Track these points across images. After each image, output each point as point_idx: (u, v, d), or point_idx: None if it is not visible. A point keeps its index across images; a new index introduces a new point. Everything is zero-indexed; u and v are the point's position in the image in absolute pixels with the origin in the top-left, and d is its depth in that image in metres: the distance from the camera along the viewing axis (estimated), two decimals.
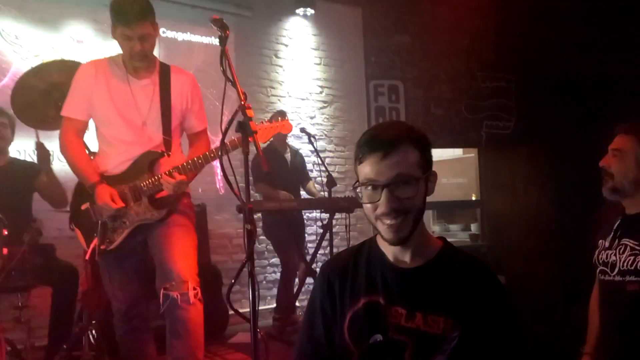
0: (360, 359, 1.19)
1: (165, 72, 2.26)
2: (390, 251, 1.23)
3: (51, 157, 2.96)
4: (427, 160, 1.19)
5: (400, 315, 1.18)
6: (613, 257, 1.79)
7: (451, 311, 1.15)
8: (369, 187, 1.17)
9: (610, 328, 1.82)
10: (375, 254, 1.26)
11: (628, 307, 1.73)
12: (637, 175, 1.77)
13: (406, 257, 1.22)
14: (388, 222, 1.15)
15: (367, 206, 1.18)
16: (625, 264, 1.74)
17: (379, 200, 1.15)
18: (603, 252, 1.85)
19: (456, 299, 1.16)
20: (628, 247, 1.75)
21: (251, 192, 1.85)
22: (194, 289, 2.10)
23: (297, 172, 4.22)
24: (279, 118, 2.40)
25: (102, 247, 2.19)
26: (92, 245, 2.19)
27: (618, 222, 1.84)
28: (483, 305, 1.16)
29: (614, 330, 1.80)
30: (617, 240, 1.80)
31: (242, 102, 1.71)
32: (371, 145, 1.16)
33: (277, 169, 3.91)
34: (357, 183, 1.20)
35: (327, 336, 1.26)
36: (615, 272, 1.77)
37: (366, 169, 1.16)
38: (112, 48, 2.17)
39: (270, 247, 4.29)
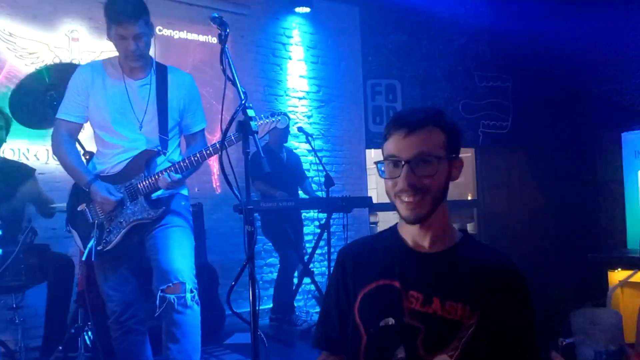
0: (369, 342, 1.18)
1: (162, 72, 2.24)
2: (410, 236, 1.23)
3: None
4: (453, 145, 1.20)
5: (417, 300, 1.16)
6: None
7: (470, 298, 1.14)
8: (391, 164, 1.17)
9: None
10: (395, 239, 1.25)
11: None
12: None
13: (425, 242, 1.21)
14: (406, 199, 1.16)
15: (388, 183, 1.19)
16: None
17: (398, 177, 1.15)
18: None
19: (476, 287, 1.15)
20: None
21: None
22: (191, 291, 2.09)
23: (292, 172, 4.21)
24: (276, 115, 2.30)
25: (99, 248, 2.17)
26: (88, 246, 2.17)
27: None
28: (503, 294, 1.15)
29: None
30: None
31: (243, 102, 1.69)
32: (397, 123, 1.17)
33: (273, 168, 3.88)
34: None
35: (339, 319, 1.27)
36: None
37: (390, 146, 1.18)
38: (106, 46, 2.15)
39: (267, 247, 4.27)
